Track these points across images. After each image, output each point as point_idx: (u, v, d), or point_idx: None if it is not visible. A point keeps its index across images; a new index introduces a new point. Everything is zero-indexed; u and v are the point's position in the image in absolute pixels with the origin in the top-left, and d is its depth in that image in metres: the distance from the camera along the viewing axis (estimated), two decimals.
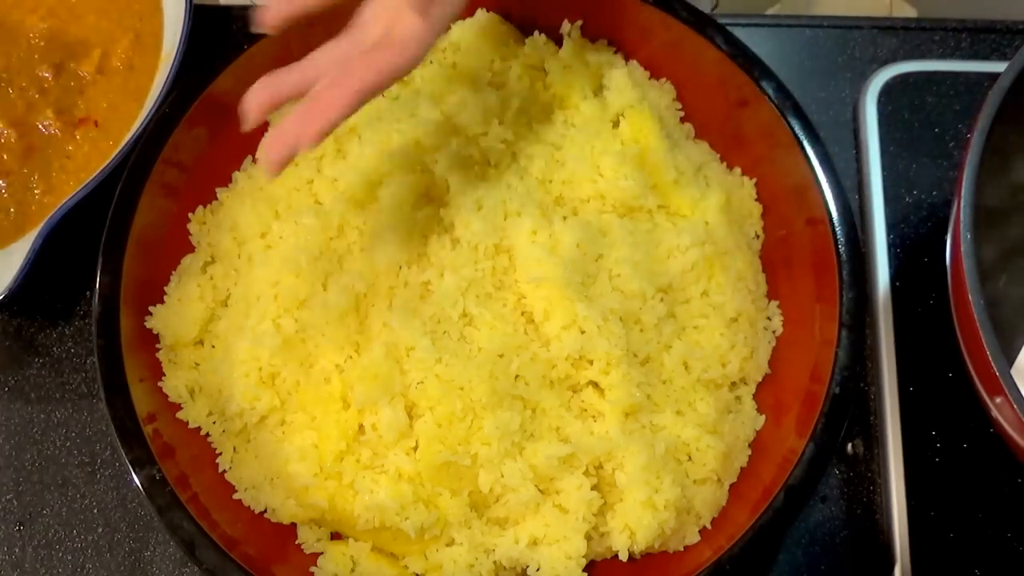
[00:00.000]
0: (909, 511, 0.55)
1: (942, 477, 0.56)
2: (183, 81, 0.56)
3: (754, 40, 0.66)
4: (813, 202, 0.53)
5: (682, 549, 0.52)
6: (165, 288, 0.56)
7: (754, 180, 0.59)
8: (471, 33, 0.59)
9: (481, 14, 0.60)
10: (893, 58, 0.66)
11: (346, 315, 0.53)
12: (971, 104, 0.63)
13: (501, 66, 0.59)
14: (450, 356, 0.50)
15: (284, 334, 0.54)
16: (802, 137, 0.54)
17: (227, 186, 0.59)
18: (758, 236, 0.58)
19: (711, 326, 0.54)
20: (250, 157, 0.60)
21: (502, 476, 0.50)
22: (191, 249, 0.58)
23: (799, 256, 0.55)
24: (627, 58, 0.61)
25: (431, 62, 0.60)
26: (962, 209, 0.44)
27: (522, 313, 0.53)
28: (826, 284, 0.52)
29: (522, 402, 0.51)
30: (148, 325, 0.55)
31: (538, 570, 0.51)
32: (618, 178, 0.54)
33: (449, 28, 0.60)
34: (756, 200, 0.59)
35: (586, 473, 0.51)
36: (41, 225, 0.55)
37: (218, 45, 0.56)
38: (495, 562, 0.51)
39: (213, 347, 0.56)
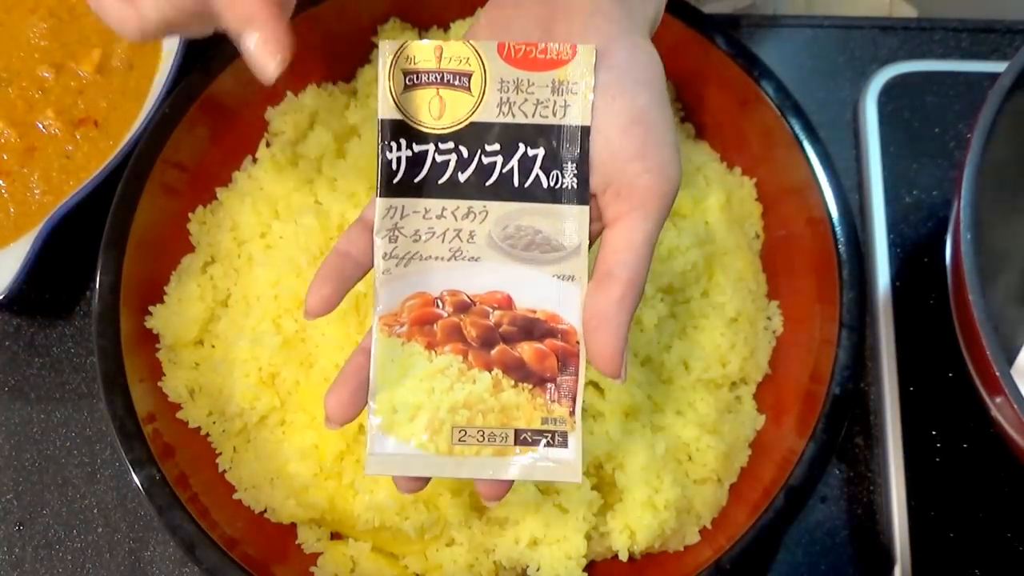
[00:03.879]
0: (909, 511, 0.55)
1: (942, 477, 0.56)
2: (183, 81, 0.56)
3: (754, 40, 0.66)
4: (813, 202, 0.53)
5: (682, 549, 0.52)
6: (165, 288, 0.56)
7: (754, 180, 0.59)
8: None
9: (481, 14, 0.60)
10: (893, 58, 0.66)
11: (346, 315, 0.53)
12: (971, 104, 0.63)
13: None
14: None
15: (284, 334, 0.54)
16: (802, 137, 0.54)
17: (227, 186, 0.59)
18: (758, 236, 0.58)
19: (711, 326, 0.54)
20: (250, 157, 0.60)
21: None
22: (191, 249, 0.58)
23: (799, 256, 0.55)
24: None
25: None
26: (962, 209, 0.44)
27: None
28: (826, 284, 0.52)
29: None
30: (148, 325, 0.55)
31: (538, 570, 0.51)
32: None
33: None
34: (756, 200, 0.59)
35: (586, 473, 0.51)
36: (41, 225, 0.55)
37: (218, 45, 0.56)
38: (495, 562, 0.51)
39: (213, 347, 0.56)
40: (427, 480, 0.41)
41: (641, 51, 0.40)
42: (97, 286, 0.52)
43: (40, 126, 0.63)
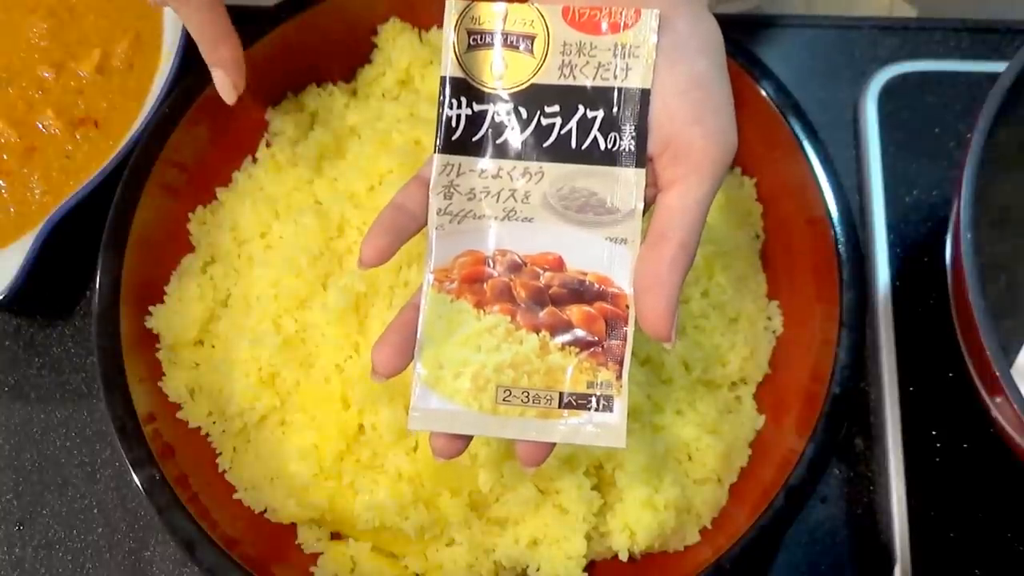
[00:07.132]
0: (909, 511, 0.55)
1: (942, 477, 0.56)
2: (183, 81, 0.56)
3: (754, 40, 0.66)
4: (813, 202, 0.53)
5: (682, 549, 0.52)
6: (165, 288, 0.56)
7: (754, 180, 0.59)
8: None
9: None
10: (893, 58, 0.66)
11: (346, 315, 0.53)
12: (971, 104, 0.63)
13: None
14: None
15: (284, 334, 0.54)
16: (802, 137, 0.54)
17: (227, 186, 0.59)
18: (758, 236, 0.58)
19: (711, 326, 0.54)
20: (250, 157, 0.60)
21: (502, 476, 0.50)
22: (191, 249, 0.58)
23: (799, 256, 0.55)
24: None
25: (431, 62, 0.60)
26: (962, 209, 0.44)
27: None
28: (826, 284, 0.52)
29: None
30: (148, 325, 0.55)
31: (538, 570, 0.51)
32: None
33: None
34: (756, 200, 0.59)
35: (586, 473, 0.51)
36: (41, 225, 0.55)
37: None
38: (495, 562, 0.51)
39: (213, 347, 0.56)
40: (465, 443, 0.40)
41: (702, 20, 0.41)
42: (97, 286, 0.52)
43: (40, 126, 0.63)
